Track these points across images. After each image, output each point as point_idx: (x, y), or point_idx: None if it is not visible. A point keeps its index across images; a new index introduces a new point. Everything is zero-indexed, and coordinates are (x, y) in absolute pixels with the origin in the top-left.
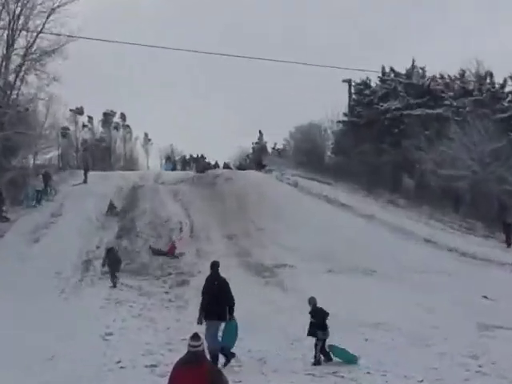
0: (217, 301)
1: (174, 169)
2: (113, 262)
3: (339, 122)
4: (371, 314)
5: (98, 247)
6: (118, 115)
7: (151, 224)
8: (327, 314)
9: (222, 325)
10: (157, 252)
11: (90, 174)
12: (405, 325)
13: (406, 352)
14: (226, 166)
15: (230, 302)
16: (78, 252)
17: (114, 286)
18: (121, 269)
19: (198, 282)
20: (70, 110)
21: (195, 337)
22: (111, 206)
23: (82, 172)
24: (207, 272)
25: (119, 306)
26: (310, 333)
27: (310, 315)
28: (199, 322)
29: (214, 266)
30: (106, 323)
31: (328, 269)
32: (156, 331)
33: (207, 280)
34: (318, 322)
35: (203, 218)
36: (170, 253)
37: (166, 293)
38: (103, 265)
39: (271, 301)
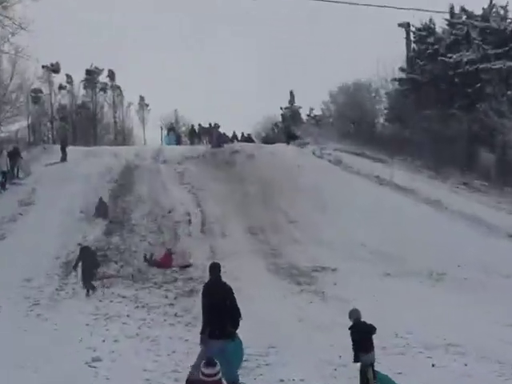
0: (219, 314)
1: (178, 143)
2: (87, 265)
3: (394, 80)
4: (439, 331)
5: (90, 248)
6: (104, 73)
7: (150, 215)
8: (373, 330)
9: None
10: (154, 263)
11: (70, 149)
12: (483, 347)
13: (484, 382)
14: (248, 139)
15: (234, 315)
16: (54, 253)
17: (87, 293)
18: (98, 275)
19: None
20: (43, 67)
21: (210, 363)
22: (102, 205)
23: (59, 147)
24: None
25: (110, 323)
26: (356, 355)
27: (349, 332)
28: (202, 345)
29: (214, 269)
30: (92, 345)
31: (383, 272)
32: (158, 355)
33: (206, 287)
34: (361, 341)
35: (218, 208)
36: (165, 264)
37: (171, 305)
38: (74, 267)
39: (308, 314)
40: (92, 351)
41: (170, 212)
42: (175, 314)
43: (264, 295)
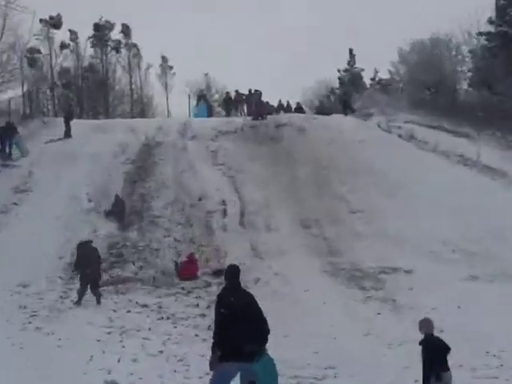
0: (237, 331)
1: (210, 114)
2: (86, 265)
3: (480, 34)
4: None
5: (90, 243)
6: (117, 29)
7: (176, 204)
8: (446, 350)
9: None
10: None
11: (76, 123)
12: None
13: None
14: (297, 109)
15: (261, 332)
16: (56, 252)
17: (79, 301)
18: (101, 278)
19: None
20: (41, 22)
21: None
22: (118, 204)
23: (62, 121)
24: (269, 282)
25: (127, 339)
26: (425, 378)
27: (421, 348)
28: (212, 368)
29: (231, 273)
30: (106, 366)
31: (468, 275)
32: (187, 378)
33: (221, 298)
34: (431, 360)
35: (261, 194)
36: (188, 274)
37: (202, 315)
38: (76, 268)
39: (375, 328)
40: (105, 373)
41: (200, 200)
42: (208, 327)
43: (319, 303)
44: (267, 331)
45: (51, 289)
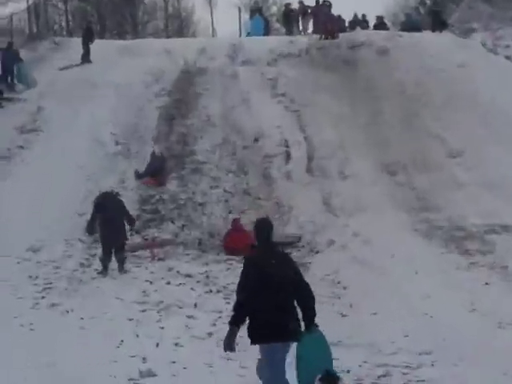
0: (279, 302)
1: (267, 32)
2: (108, 223)
3: None
4: None
5: (117, 195)
6: None
7: (226, 147)
8: None
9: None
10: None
11: (96, 45)
12: None
13: None
14: (378, 25)
15: (306, 301)
16: (74, 207)
17: (104, 271)
18: (128, 240)
19: (327, 265)
20: None
21: (329, 379)
22: (155, 163)
23: (80, 42)
24: (346, 245)
25: (167, 318)
26: None
27: None
28: (229, 348)
29: (262, 229)
30: (140, 352)
31: None
32: (243, 367)
33: (251, 261)
34: None
35: (333, 133)
36: (234, 245)
37: None
38: (89, 229)
39: (483, 302)
40: (139, 361)
41: (256, 141)
42: None
43: (410, 272)
44: (313, 300)
45: (69, 255)
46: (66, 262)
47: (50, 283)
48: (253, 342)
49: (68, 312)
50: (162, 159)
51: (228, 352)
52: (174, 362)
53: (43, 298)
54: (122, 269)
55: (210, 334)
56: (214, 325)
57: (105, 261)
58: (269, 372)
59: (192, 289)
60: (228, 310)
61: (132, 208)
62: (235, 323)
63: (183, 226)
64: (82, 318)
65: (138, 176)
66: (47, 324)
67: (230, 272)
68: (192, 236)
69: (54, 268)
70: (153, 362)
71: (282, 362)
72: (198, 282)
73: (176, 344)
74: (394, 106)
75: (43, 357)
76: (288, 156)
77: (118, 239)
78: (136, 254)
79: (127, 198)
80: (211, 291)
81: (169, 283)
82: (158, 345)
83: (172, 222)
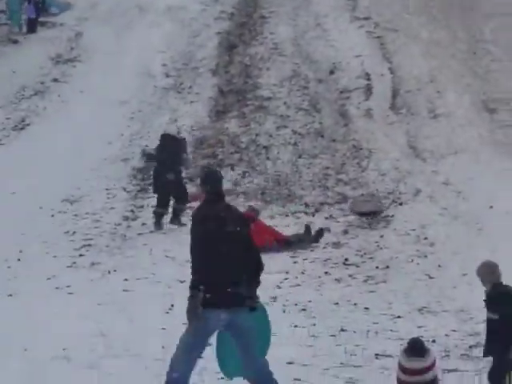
0: (225, 264)
1: None
2: (169, 168)
3: None
4: None
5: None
6: None
7: (296, 80)
8: None
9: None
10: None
11: None
12: None
13: None
14: None
15: (251, 267)
16: (118, 150)
17: (157, 225)
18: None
19: (412, 218)
20: None
21: (416, 349)
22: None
23: None
24: (435, 195)
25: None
26: (487, 349)
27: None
28: (194, 318)
29: (212, 181)
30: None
31: None
32: (315, 336)
33: (203, 214)
34: (503, 323)
35: (424, 64)
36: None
37: (336, 244)
38: (155, 185)
39: None
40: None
41: (332, 73)
42: (344, 262)
43: (511, 225)
44: (261, 268)
45: (112, 206)
46: (107, 214)
47: (90, 239)
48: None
49: (110, 272)
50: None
51: (194, 322)
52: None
53: (81, 256)
54: (178, 221)
55: (273, 299)
56: (279, 287)
57: (160, 213)
58: (184, 345)
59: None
60: (296, 267)
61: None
62: (194, 287)
63: (244, 172)
64: (126, 280)
65: (145, 156)
66: (86, 286)
67: (298, 226)
68: (254, 184)
69: (93, 222)
70: None
71: (204, 338)
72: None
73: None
74: (498, 28)
75: (83, 324)
76: (369, 91)
77: (179, 188)
78: (189, 205)
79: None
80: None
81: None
82: None
83: (231, 169)
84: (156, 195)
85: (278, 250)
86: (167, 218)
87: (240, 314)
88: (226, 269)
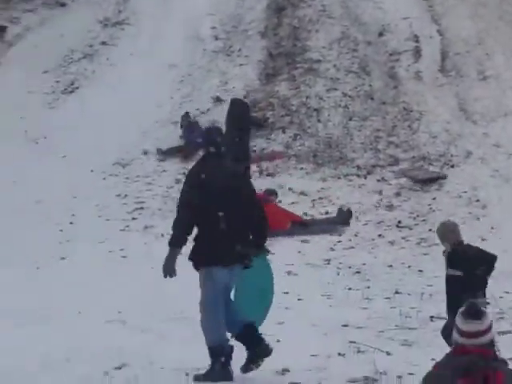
0: (226, 220)
1: None
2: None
3: None
4: None
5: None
6: None
7: (344, 43)
8: (491, 261)
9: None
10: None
11: None
12: None
13: None
14: None
15: (257, 223)
16: (168, 115)
17: None
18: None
19: (464, 180)
20: None
21: (472, 312)
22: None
23: None
24: (486, 157)
25: (278, 241)
26: (451, 304)
27: (445, 262)
28: (168, 272)
29: (211, 138)
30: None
31: None
32: (368, 298)
33: (196, 171)
34: (464, 282)
35: (473, 25)
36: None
37: (388, 207)
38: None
39: None
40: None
41: (381, 35)
42: (397, 224)
43: None
44: (266, 222)
45: (163, 169)
46: (159, 177)
47: (142, 202)
48: (195, 267)
49: (163, 236)
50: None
51: (168, 277)
52: (286, 293)
53: (134, 219)
54: None
55: (327, 261)
56: (333, 250)
57: None
58: (206, 300)
59: (309, 207)
60: (350, 233)
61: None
62: (175, 244)
63: (296, 135)
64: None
65: (160, 153)
66: (140, 249)
67: (350, 189)
68: (306, 147)
69: (145, 185)
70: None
71: (224, 290)
72: (313, 200)
73: (288, 273)
74: None
75: (137, 287)
76: (418, 53)
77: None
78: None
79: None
80: (327, 212)
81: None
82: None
83: (283, 131)
84: None
85: (292, 232)
86: None
87: (235, 271)
88: (226, 225)
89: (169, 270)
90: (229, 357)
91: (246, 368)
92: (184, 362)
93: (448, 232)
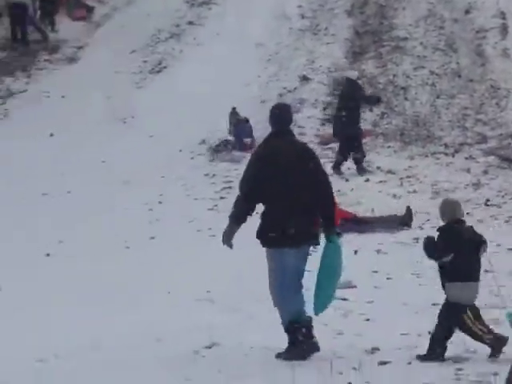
0: (292, 200)
1: None
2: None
3: None
4: None
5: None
6: None
7: (432, 20)
8: (481, 243)
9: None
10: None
11: None
12: None
13: None
14: None
15: (324, 203)
16: (254, 92)
17: (337, 169)
18: None
19: None
20: None
21: None
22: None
23: None
24: None
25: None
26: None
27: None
28: (227, 243)
29: (280, 115)
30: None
31: None
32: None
33: (261, 151)
34: (458, 263)
35: None
36: None
37: (475, 185)
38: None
39: None
40: None
41: (467, 13)
42: (485, 203)
43: None
44: (333, 201)
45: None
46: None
47: (230, 182)
48: (263, 246)
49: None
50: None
51: (225, 246)
52: (375, 272)
53: (222, 198)
54: (361, 170)
55: (416, 240)
56: (421, 228)
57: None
58: (276, 281)
59: (396, 186)
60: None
61: (323, 93)
62: (234, 221)
63: (383, 114)
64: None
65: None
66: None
67: (438, 167)
68: (393, 125)
69: (233, 164)
70: (352, 272)
71: (294, 270)
72: (400, 179)
73: (378, 251)
74: None
75: (226, 267)
76: (505, 30)
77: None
78: (325, 146)
79: (316, 84)
80: (415, 191)
81: (367, 180)
82: (356, 252)
83: (370, 110)
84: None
85: (344, 230)
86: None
87: (303, 251)
88: (292, 204)
89: (226, 242)
90: (310, 328)
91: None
92: (273, 342)
93: (447, 209)
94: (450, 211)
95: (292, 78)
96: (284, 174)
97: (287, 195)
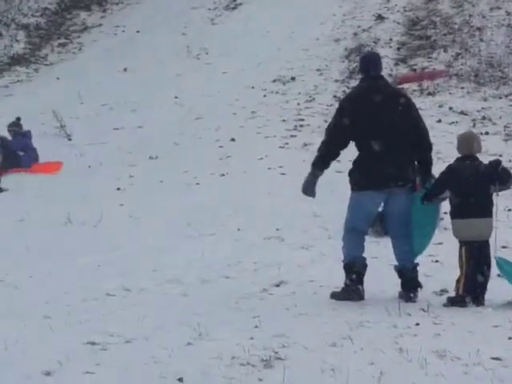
0: (381, 146)
1: None
2: None
3: None
4: None
5: None
6: None
7: None
8: (492, 180)
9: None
10: None
11: None
12: None
13: None
14: None
15: (420, 149)
16: (329, 31)
17: None
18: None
19: None
20: None
21: None
22: None
23: None
24: None
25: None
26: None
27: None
28: (308, 192)
29: (370, 61)
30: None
31: None
32: None
33: (349, 97)
34: (457, 199)
35: None
36: None
37: None
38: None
39: None
40: None
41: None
42: None
43: None
44: (430, 147)
45: (325, 88)
46: (319, 95)
47: (301, 120)
48: (352, 190)
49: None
50: None
51: (306, 195)
52: (444, 213)
53: (293, 137)
54: None
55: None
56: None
57: None
58: (349, 220)
59: (469, 127)
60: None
61: (398, 33)
62: (317, 166)
63: (457, 54)
64: (338, 161)
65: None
66: (299, 167)
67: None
68: (468, 66)
69: (305, 102)
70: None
71: (365, 213)
72: (473, 120)
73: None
74: None
75: (296, 204)
76: None
77: None
78: (399, 87)
79: (391, 23)
80: (488, 133)
81: (439, 121)
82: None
83: (444, 50)
84: None
85: None
86: None
87: (396, 195)
88: (381, 149)
89: (308, 190)
90: (360, 275)
91: (410, 297)
92: (343, 280)
93: (463, 143)
94: (466, 145)
95: (367, 16)
96: (372, 121)
97: (375, 141)
